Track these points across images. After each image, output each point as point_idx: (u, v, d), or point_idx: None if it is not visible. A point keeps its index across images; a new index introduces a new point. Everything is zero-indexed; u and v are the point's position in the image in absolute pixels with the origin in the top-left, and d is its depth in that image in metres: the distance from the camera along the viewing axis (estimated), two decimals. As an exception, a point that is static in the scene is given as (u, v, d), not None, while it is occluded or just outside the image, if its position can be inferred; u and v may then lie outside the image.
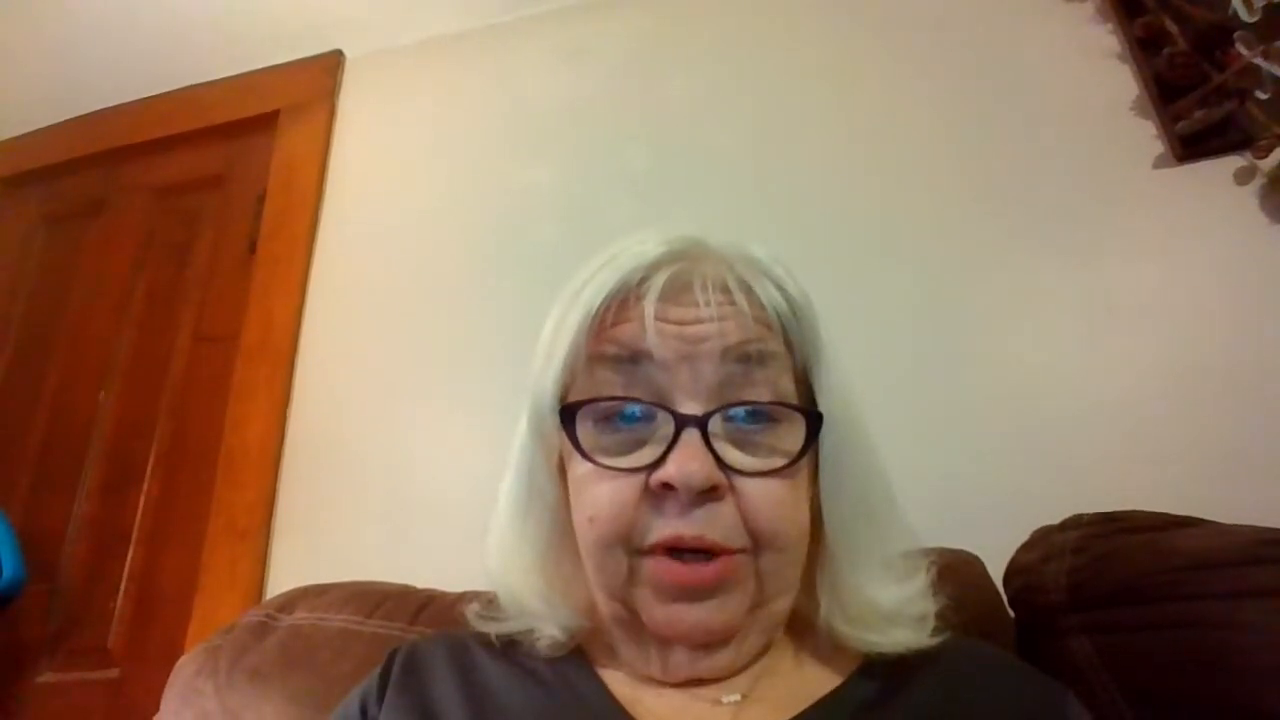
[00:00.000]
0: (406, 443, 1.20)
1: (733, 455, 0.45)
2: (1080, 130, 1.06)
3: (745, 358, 0.46)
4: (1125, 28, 1.07)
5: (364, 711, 0.51)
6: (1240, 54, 0.96)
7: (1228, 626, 0.53)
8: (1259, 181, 0.95)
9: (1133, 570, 0.60)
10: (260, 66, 1.59)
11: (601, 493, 0.45)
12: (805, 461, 0.47)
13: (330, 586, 0.80)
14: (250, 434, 1.28)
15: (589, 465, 0.46)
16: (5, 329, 1.58)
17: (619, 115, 1.33)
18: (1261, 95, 0.95)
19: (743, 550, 0.45)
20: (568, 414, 0.46)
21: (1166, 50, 1.01)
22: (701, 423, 0.44)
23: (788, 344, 0.49)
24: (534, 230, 1.27)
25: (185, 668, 0.74)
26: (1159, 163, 1.01)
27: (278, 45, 1.57)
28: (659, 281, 0.46)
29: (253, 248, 1.45)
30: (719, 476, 0.43)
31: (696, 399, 0.45)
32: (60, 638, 1.28)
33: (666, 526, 0.44)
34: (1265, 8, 0.94)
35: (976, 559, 0.72)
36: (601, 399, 0.46)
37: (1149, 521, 0.64)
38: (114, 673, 1.23)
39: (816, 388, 0.49)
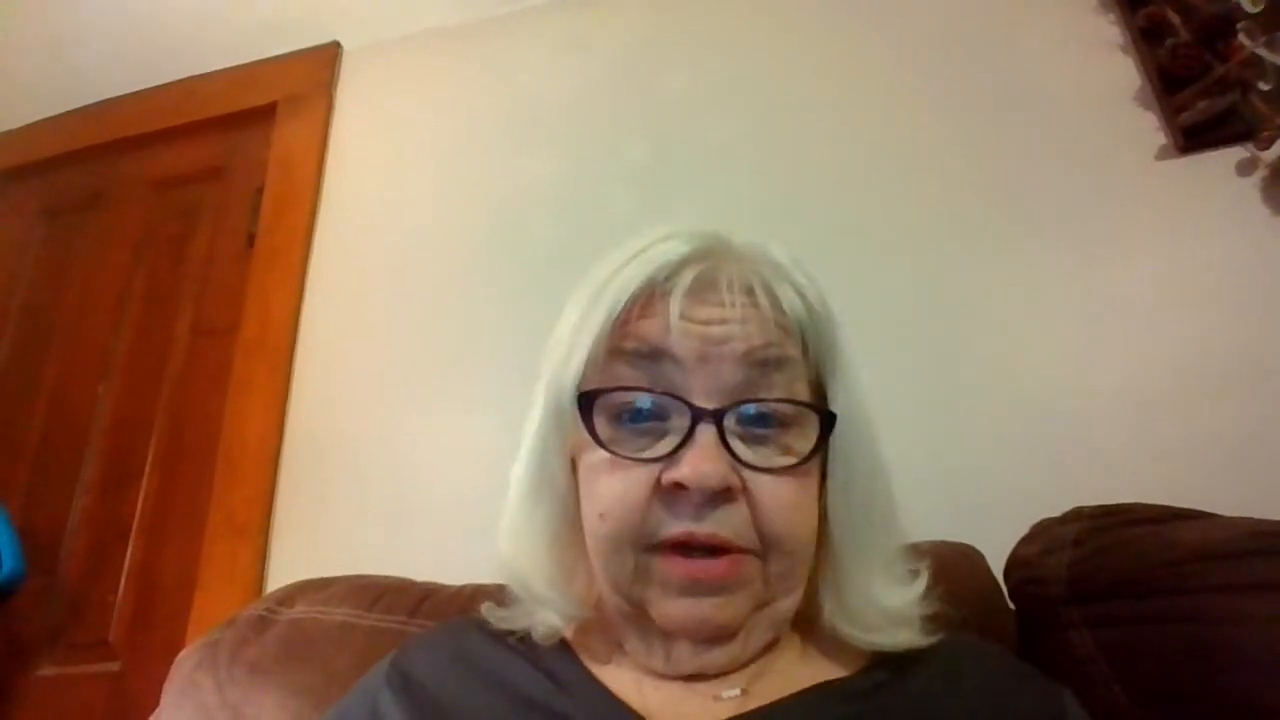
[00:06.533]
0: (406, 436, 1.20)
1: (746, 453, 0.45)
2: (1082, 122, 1.06)
3: (764, 362, 0.46)
4: (1127, 19, 1.07)
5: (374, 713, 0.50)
6: (1243, 45, 0.95)
7: (1228, 620, 0.53)
8: (1261, 173, 0.95)
9: (1133, 563, 0.59)
10: (258, 58, 1.59)
11: (613, 487, 0.46)
12: (815, 465, 0.48)
13: (330, 580, 0.80)
14: (249, 428, 1.28)
15: (602, 455, 0.46)
16: (3, 323, 1.57)
17: (618, 109, 1.32)
18: (1264, 86, 0.94)
19: (752, 551, 0.45)
20: (585, 401, 0.46)
21: (1169, 41, 1.01)
22: (717, 416, 0.44)
23: (804, 349, 0.49)
24: (533, 223, 1.27)
25: (185, 662, 0.74)
26: (1161, 154, 1.01)
27: (275, 37, 1.56)
28: (685, 279, 0.46)
29: (251, 241, 1.44)
30: (733, 478, 0.44)
31: (712, 397, 0.45)
32: (60, 631, 1.28)
33: (678, 525, 0.44)
34: (1268, -2, 0.94)
35: (977, 552, 0.72)
36: (619, 388, 0.46)
37: (1150, 514, 0.64)
38: (114, 666, 1.23)
39: (830, 393, 0.49)
